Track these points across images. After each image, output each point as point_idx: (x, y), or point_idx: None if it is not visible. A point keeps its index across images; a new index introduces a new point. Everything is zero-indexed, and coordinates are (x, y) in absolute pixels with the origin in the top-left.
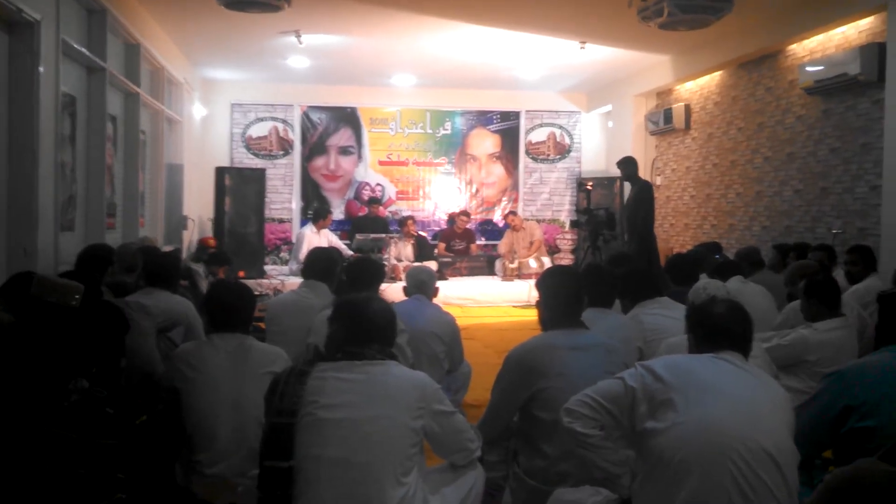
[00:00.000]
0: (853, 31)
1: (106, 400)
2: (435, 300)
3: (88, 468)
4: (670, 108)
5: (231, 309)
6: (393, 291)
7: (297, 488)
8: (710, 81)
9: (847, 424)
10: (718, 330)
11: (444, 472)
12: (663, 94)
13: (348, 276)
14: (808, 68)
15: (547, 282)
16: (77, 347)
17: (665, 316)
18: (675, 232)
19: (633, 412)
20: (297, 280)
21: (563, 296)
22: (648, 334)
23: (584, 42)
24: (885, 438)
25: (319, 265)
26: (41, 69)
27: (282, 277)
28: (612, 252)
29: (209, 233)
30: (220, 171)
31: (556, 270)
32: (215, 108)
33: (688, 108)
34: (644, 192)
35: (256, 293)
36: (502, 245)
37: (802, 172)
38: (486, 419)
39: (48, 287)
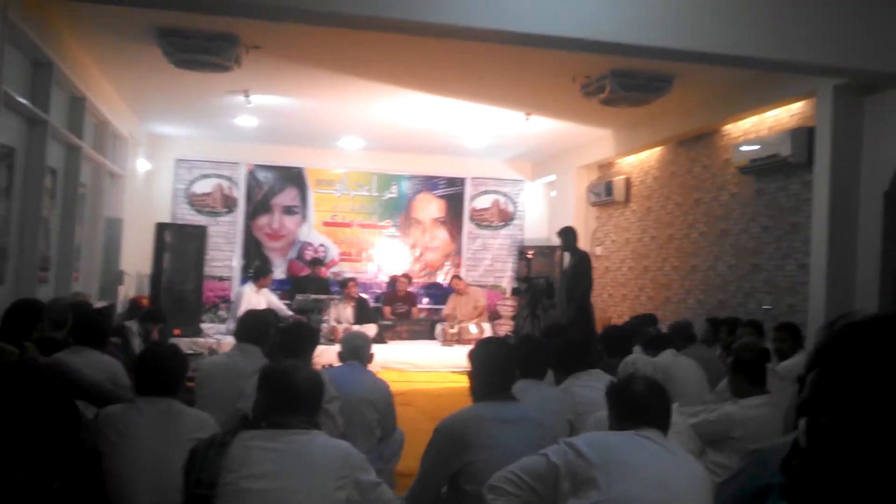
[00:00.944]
0: (785, 115)
1: (19, 465)
2: (371, 365)
3: None
4: (611, 181)
5: (161, 373)
6: (330, 354)
7: None
8: (651, 156)
9: (766, 503)
10: (638, 408)
11: None
12: (605, 166)
13: (281, 341)
14: (743, 148)
15: (478, 353)
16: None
17: (596, 388)
18: (612, 302)
19: (556, 489)
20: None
21: (493, 367)
22: (579, 406)
23: (529, 113)
24: None
25: (253, 328)
26: None
27: (218, 336)
28: (548, 322)
29: (146, 289)
30: (161, 227)
31: (487, 341)
32: (160, 163)
33: (628, 182)
34: (582, 262)
35: (191, 352)
36: (446, 308)
37: (735, 248)
38: (415, 491)
39: None
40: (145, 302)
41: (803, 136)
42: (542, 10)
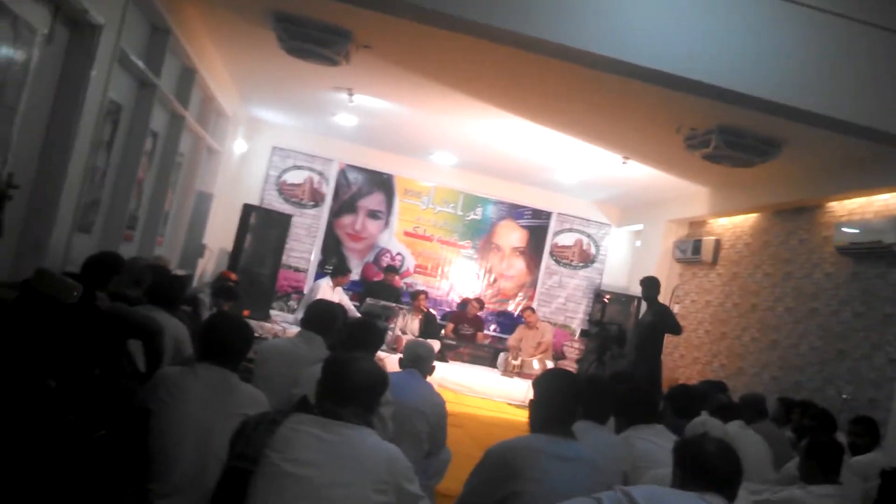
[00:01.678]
0: (893, 201)
1: (70, 405)
2: (429, 379)
3: (34, 470)
4: (700, 240)
5: (225, 341)
6: (391, 362)
7: None
8: (745, 221)
9: None
10: (706, 468)
11: None
12: (696, 224)
13: (348, 335)
14: (845, 229)
15: (545, 382)
16: (56, 345)
17: (657, 445)
18: (683, 363)
19: None
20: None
21: (558, 400)
22: (637, 460)
23: (626, 158)
24: None
25: (319, 317)
26: (93, 73)
27: (285, 324)
28: (617, 368)
29: (224, 265)
30: (248, 209)
31: (556, 373)
32: (256, 146)
33: (718, 243)
34: (663, 316)
35: (256, 335)
36: (512, 339)
37: (822, 330)
38: None
39: (47, 280)
40: (234, 277)
41: None
42: (660, 45)
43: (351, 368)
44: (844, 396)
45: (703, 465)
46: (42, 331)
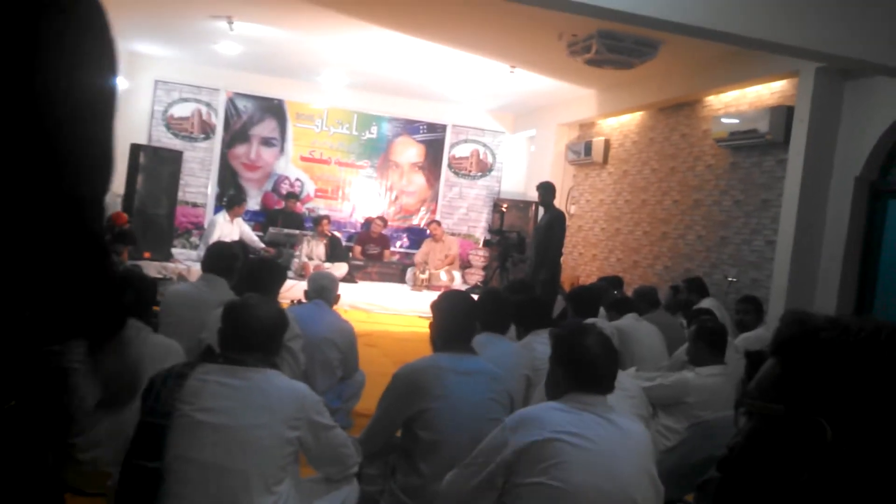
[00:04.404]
0: (767, 92)
1: None
2: (338, 305)
3: None
4: (591, 141)
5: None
6: (299, 289)
7: (165, 488)
8: (631, 120)
9: (707, 474)
10: (587, 366)
11: (317, 483)
12: (586, 126)
13: (248, 275)
14: (723, 120)
15: (441, 304)
16: None
17: None
18: (582, 261)
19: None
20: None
21: (454, 319)
22: (537, 362)
23: (514, 66)
24: None
25: (220, 260)
26: None
27: (189, 263)
28: (512, 279)
29: (118, 209)
30: (136, 149)
31: (451, 294)
32: (139, 83)
33: (607, 143)
34: (557, 221)
35: (160, 276)
36: (419, 254)
37: (706, 220)
38: (369, 433)
39: None
40: (124, 218)
41: (782, 114)
42: None
43: (248, 315)
44: (730, 279)
45: (583, 361)
46: None
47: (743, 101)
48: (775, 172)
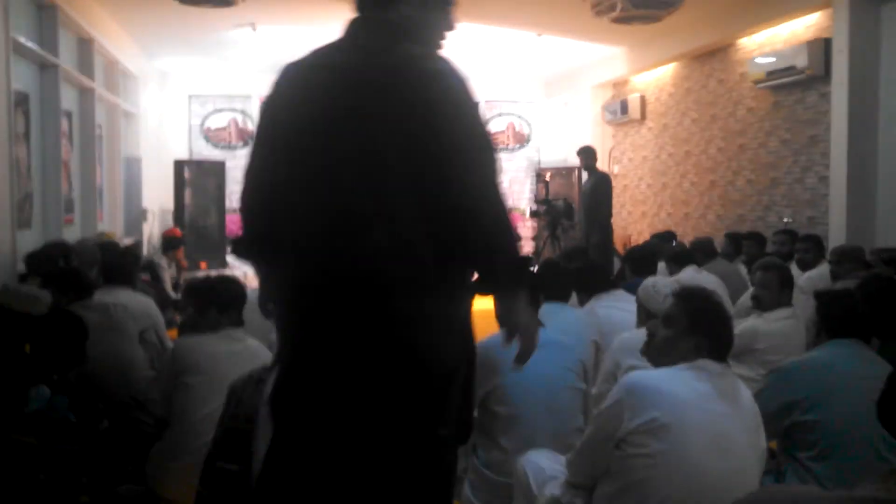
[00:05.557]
0: (801, 27)
1: (67, 406)
2: None
3: (49, 474)
4: (626, 99)
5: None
6: None
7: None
8: (665, 73)
9: (790, 418)
10: (724, 335)
11: None
12: (619, 84)
13: None
14: (758, 60)
15: None
16: (38, 355)
17: (619, 308)
18: (632, 220)
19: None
20: None
21: None
22: (604, 327)
23: (540, 33)
24: (827, 432)
25: None
26: None
27: (246, 269)
28: (567, 246)
29: (169, 224)
30: (179, 165)
31: None
32: (173, 99)
33: (643, 99)
34: (602, 183)
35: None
36: None
37: (754, 163)
38: None
39: (14, 296)
40: (178, 233)
41: (820, 47)
42: None
43: None
44: (786, 220)
45: (717, 324)
46: (20, 346)
47: (777, 39)
48: (819, 107)
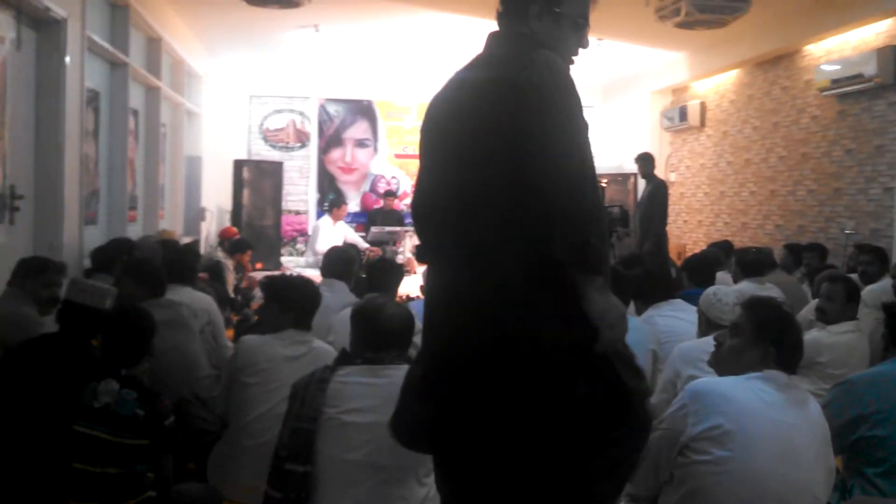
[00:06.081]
0: (870, 34)
1: (136, 402)
2: None
3: (118, 467)
4: (685, 106)
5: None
6: (407, 285)
7: (320, 491)
8: (726, 80)
9: (857, 433)
10: (797, 347)
11: None
12: (679, 90)
13: (368, 277)
14: (825, 68)
15: None
16: (107, 349)
17: (678, 318)
18: (688, 229)
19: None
20: (314, 271)
21: None
22: (661, 336)
23: (601, 38)
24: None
25: (337, 263)
26: (67, 66)
27: (298, 269)
28: (625, 253)
29: (226, 223)
30: (238, 164)
31: None
32: (234, 99)
33: (703, 106)
34: (659, 190)
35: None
36: None
37: (816, 173)
38: None
39: (82, 291)
40: (234, 232)
41: (890, 55)
42: None
43: (381, 317)
44: (847, 231)
45: (790, 336)
46: (88, 340)
47: (846, 45)
48: (888, 116)
